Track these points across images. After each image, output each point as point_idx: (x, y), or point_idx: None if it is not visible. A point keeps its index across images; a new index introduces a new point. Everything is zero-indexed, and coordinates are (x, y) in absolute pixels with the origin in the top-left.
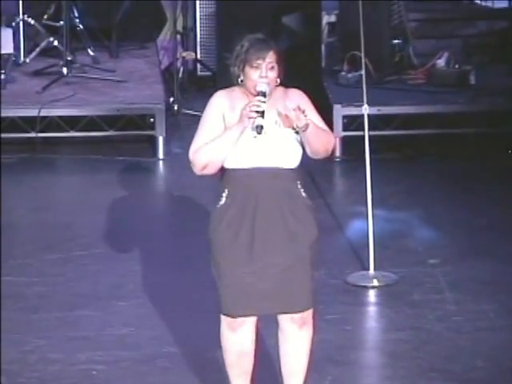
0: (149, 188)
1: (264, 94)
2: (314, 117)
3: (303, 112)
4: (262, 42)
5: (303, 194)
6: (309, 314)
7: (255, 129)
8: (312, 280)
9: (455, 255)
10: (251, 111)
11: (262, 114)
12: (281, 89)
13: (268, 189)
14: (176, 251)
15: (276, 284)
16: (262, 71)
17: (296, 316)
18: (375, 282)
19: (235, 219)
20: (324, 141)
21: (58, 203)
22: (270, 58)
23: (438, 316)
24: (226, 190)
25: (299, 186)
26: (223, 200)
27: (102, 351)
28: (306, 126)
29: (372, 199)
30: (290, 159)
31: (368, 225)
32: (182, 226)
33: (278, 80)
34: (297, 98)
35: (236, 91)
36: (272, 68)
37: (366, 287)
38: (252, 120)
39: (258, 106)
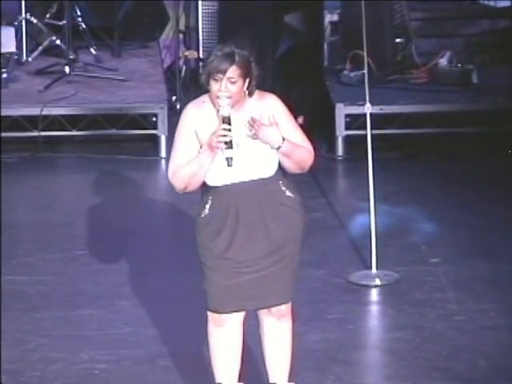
0: (151, 187)
1: (228, 120)
2: (289, 128)
3: (255, 122)
4: (225, 56)
5: (287, 193)
6: (287, 307)
7: (226, 161)
8: (292, 274)
9: (457, 254)
10: (219, 142)
11: (230, 143)
12: (255, 97)
13: (249, 199)
14: (178, 250)
15: (257, 281)
16: (221, 85)
17: (273, 309)
18: (377, 281)
19: (218, 223)
20: (298, 159)
21: (59, 202)
22: (232, 72)
23: (439, 315)
24: (209, 201)
25: (283, 187)
26: (206, 211)
27: (104, 350)
28: (277, 143)
29: (374, 198)
30: (267, 169)
31: (370, 224)
32: (184, 226)
33: (246, 91)
34: (271, 107)
35: (206, 102)
36: (233, 83)
37: (368, 286)
38: (221, 149)
39: (225, 135)
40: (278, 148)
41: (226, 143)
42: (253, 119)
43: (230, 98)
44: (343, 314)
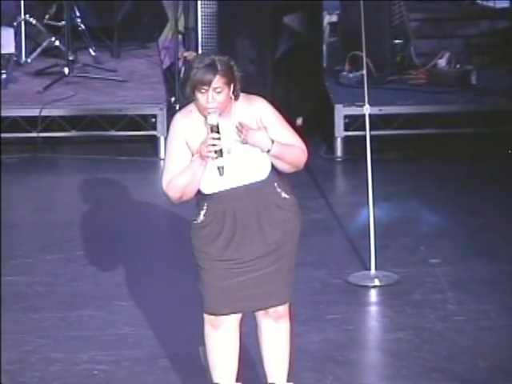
0: (150, 188)
1: (217, 128)
2: (279, 129)
3: (243, 127)
4: (207, 67)
5: (283, 195)
6: (284, 308)
7: (218, 170)
8: (289, 275)
9: (456, 255)
10: (209, 151)
11: (220, 152)
12: (242, 101)
13: (245, 203)
14: (177, 251)
15: (254, 282)
16: (208, 97)
17: (270, 310)
18: (376, 282)
19: (216, 228)
20: (291, 159)
21: (58, 203)
22: (217, 83)
23: (439, 316)
24: (205, 208)
25: (278, 189)
26: (201, 217)
27: (104, 351)
28: (266, 146)
29: (373, 199)
30: (260, 172)
31: (369, 224)
32: (183, 226)
33: (233, 97)
34: (259, 110)
35: (193, 111)
36: (219, 92)
37: (367, 287)
38: (212, 159)
39: (214, 145)
40: (268, 151)
41: (216, 152)
42: (241, 124)
43: (217, 108)
44: (342, 315)
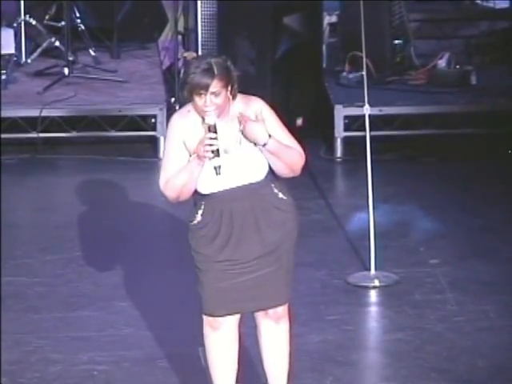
0: (150, 188)
1: (214, 128)
2: (276, 129)
3: (243, 118)
4: (204, 72)
5: (280, 196)
6: (284, 309)
7: (214, 170)
8: (288, 276)
9: (456, 255)
10: (206, 151)
11: (217, 152)
12: (239, 101)
13: (242, 204)
14: (177, 252)
15: (252, 283)
16: (206, 101)
17: (270, 311)
18: (376, 283)
19: (213, 229)
20: (287, 159)
21: (58, 203)
22: (214, 86)
23: (438, 316)
24: (202, 208)
25: (275, 190)
26: (198, 217)
27: (103, 351)
28: (263, 139)
29: (373, 199)
30: (257, 173)
31: (369, 225)
32: (182, 226)
33: (231, 97)
34: (257, 110)
35: (191, 111)
36: (217, 95)
37: (366, 287)
38: (209, 158)
39: (211, 144)
40: (264, 145)
41: (212, 152)
42: (241, 114)
43: (216, 109)
44: (342, 316)
